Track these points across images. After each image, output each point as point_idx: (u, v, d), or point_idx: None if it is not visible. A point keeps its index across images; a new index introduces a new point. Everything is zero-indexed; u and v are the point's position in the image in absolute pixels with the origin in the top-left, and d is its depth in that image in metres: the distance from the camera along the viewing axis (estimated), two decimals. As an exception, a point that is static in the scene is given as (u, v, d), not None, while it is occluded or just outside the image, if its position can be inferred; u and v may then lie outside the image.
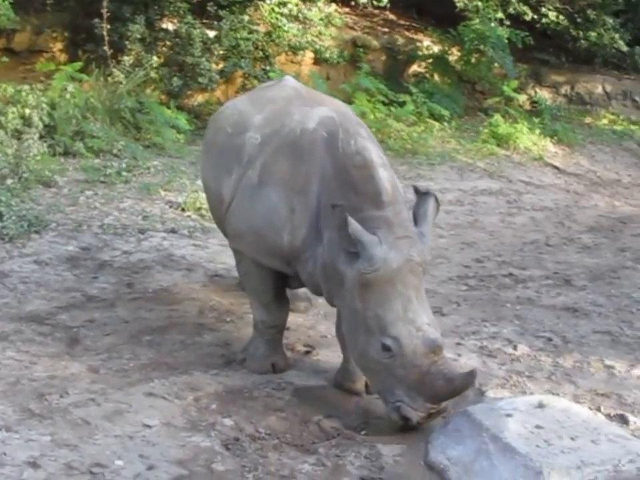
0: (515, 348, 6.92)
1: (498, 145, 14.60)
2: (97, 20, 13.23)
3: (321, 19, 15.31)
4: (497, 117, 15.11)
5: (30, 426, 5.34)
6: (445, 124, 15.31)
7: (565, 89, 19.12)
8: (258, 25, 14.87)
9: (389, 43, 17.40)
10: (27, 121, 11.16)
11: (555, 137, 15.81)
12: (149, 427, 5.47)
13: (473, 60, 16.79)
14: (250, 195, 5.97)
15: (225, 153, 6.31)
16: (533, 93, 18.27)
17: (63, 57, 14.46)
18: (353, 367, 6.15)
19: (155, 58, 13.24)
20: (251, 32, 14.33)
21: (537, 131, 15.49)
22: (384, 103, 14.80)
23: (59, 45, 14.78)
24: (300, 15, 14.96)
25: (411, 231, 5.46)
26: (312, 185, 5.73)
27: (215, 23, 14.01)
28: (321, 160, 5.73)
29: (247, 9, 14.57)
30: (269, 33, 14.86)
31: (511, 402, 5.68)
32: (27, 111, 11.34)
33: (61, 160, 11.07)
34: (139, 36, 13.24)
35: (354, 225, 5.29)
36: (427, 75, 17.08)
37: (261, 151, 6.01)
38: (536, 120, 16.15)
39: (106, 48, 12.89)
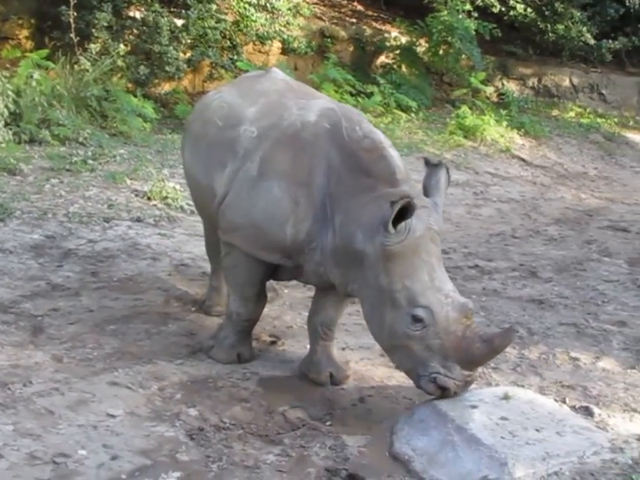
0: (480, 339, 6.91)
1: (465, 137, 14.65)
2: (63, 7, 13.16)
3: (289, 9, 15.26)
4: (464, 109, 15.16)
5: (-8, 415, 5.29)
6: (412, 115, 15.34)
7: (532, 82, 19.26)
8: (226, 14, 14.79)
9: (356, 34, 17.42)
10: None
11: (522, 129, 15.91)
12: (112, 416, 5.43)
13: (441, 51, 16.85)
14: (249, 188, 5.89)
15: (216, 147, 6.21)
16: (500, 85, 18.39)
17: (29, 45, 14.36)
18: (318, 358, 6.17)
19: (121, 46, 13.16)
20: (218, 21, 14.27)
21: (504, 123, 15.56)
22: (351, 94, 14.81)
23: (25, 32, 14.68)
24: (268, 4, 14.90)
25: (427, 202, 5.46)
26: (316, 177, 5.70)
27: (183, 11, 13.93)
28: (325, 151, 5.72)
29: (214, -1, 14.50)
30: (236, 23, 14.81)
31: (476, 393, 5.71)
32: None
33: (27, 148, 11.00)
34: (105, 24, 13.15)
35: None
36: (395, 66, 17.14)
37: (259, 144, 5.94)
38: (503, 112, 16.25)
39: (72, 35, 12.79)
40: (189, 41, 13.92)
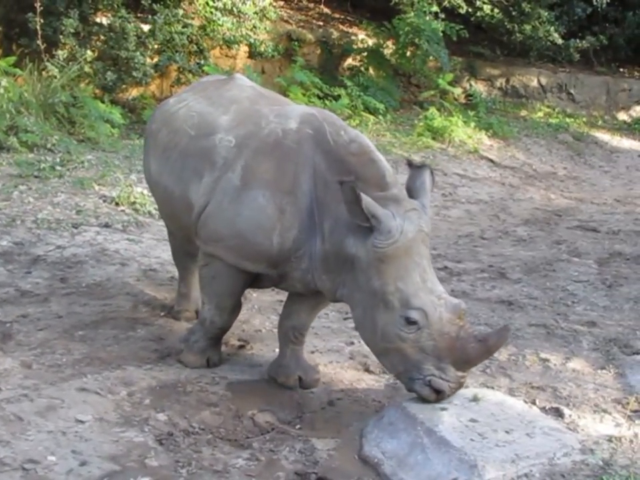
0: (449, 341, 6.94)
1: (433, 138, 14.71)
2: (30, 14, 13.09)
3: (255, 13, 15.25)
4: (432, 110, 15.22)
5: (-40, 423, 5.27)
6: (380, 117, 15.38)
7: (500, 82, 19.36)
8: (192, 18, 14.78)
9: (323, 37, 17.45)
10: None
11: (490, 130, 15.99)
12: (81, 422, 5.41)
13: (408, 53, 16.91)
14: (232, 198, 5.82)
15: (190, 156, 6.13)
16: (468, 86, 18.47)
17: (-3, 52, 14.26)
18: (287, 362, 6.18)
19: (89, 52, 13.11)
20: (185, 26, 14.27)
21: (472, 124, 15.64)
22: (319, 97, 14.84)
23: (-8, 39, 14.58)
24: (234, 8, 14.88)
25: (416, 205, 5.47)
26: (301, 184, 5.67)
27: (149, 17, 13.91)
28: (309, 157, 5.69)
29: (181, 3, 14.48)
30: (203, 27, 14.81)
31: (445, 395, 5.74)
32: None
33: (-7, 154, 10.93)
34: (72, 30, 13.11)
35: (366, 198, 5.26)
36: (362, 69, 17.18)
37: (239, 153, 5.88)
38: (471, 113, 16.34)
39: (39, 42, 12.75)
40: (155, 46, 13.92)
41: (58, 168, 10.50)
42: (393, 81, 17.33)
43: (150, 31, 13.78)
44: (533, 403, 5.95)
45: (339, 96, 14.99)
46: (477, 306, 7.79)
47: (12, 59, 13.05)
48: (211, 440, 5.42)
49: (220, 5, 14.88)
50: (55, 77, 12.66)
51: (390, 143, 14.34)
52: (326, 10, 19.10)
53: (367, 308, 5.46)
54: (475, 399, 5.59)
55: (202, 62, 14.46)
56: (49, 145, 11.27)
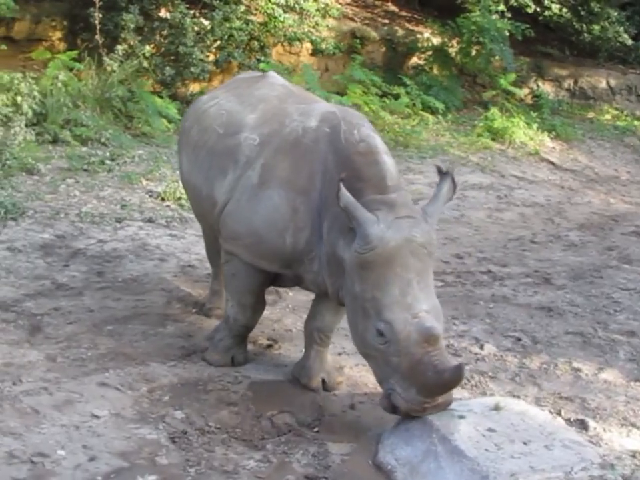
0: (481, 347, 6.84)
1: (493, 139, 14.50)
2: (92, 9, 13.21)
3: (318, 10, 15.19)
4: (494, 111, 15.02)
5: (-23, 413, 5.32)
6: (440, 117, 15.20)
7: (567, 83, 19.02)
8: (254, 15, 14.78)
9: (388, 35, 17.31)
10: (17, 109, 11.15)
11: (553, 132, 15.70)
12: (97, 417, 5.44)
13: (473, 52, 16.66)
14: (250, 196, 5.81)
15: (217, 155, 6.14)
16: (535, 87, 18.17)
17: (62, 46, 14.45)
18: (311, 364, 6.12)
19: (147, 47, 13.19)
20: (246, 22, 14.25)
21: (535, 126, 15.38)
22: (378, 95, 14.70)
23: (58, 34, 14.77)
24: (296, 5, 14.84)
25: (416, 211, 5.31)
26: (315, 184, 5.60)
27: (208, 12, 13.93)
28: (323, 156, 5.63)
29: (242, -1, 14.50)
30: (264, 24, 14.76)
31: (465, 403, 5.62)
32: (19, 98, 11.34)
33: (49, 148, 11.08)
34: (132, 25, 13.17)
35: (348, 199, 5.17)
36: (426, 68, 16.99)
37: (260, 151, 5.87)
38: (534, 114, 16.03)
39: (97, 37, 12.85)
40: (214, 42, 13.91)
41: (107, 162, 10.58)
42: (458, 81, 17.11)
43: (209, 26, 13.78)
44: (558, 413, 5.81)
45: (398, 95, 14.86)
46: (515, 312, 7.64)
47: (73, 53, 13.21)
48: (226, 440, 5.39)
49: (282, 1, 14.83)
50: (114, 72, 12.74)
51: (448, 143, 14.19)
52: (393, 8, 18.95)
53: (351, 312, 5.39)
54: (497, 408, 5.46)
55: (262, 58, 14.43)
56: (102, 139, 11.36)
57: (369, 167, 5.43)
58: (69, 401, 5.57)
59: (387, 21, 17.94)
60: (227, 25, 13.92)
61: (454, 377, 5.09)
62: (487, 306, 7.73)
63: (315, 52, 15.78)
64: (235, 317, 6.19)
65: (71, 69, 12.84)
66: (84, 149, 11.10)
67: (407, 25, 18.08)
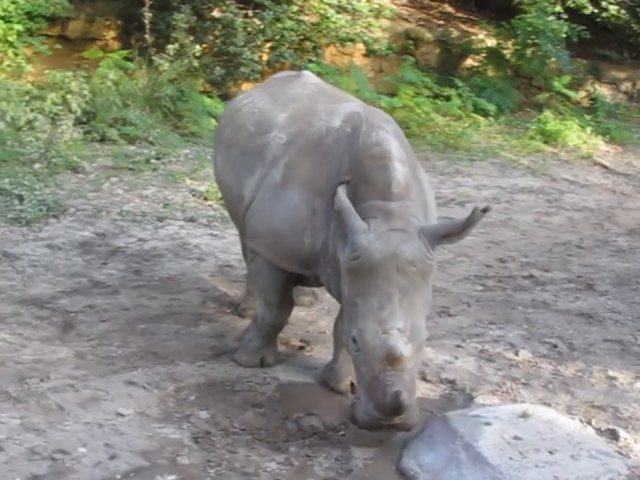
0: (516, 353, 6.72)
1: (545, 142, 14.31)
2: (144, 8, 13.32)
3: (370, 10, 15.14)
4: (547, 113, 14.83)
5: (3, 409, 5.35)
6: (492, 119, 15.04)
7: (625, 86, 18.71)
8: (306, 15, 14.77)
9: (442, 36, 17.20)
10: (66, 107, 11.28)
11: (608, 136, 15.43)
12: (122, 415, 5.44)
13: (528, 54, 16.46)
14: (272, 195, 5.79)
15: (247, 153, 6.13)
16: (591, 90, 17.90)
17: (116, 45, 14.61)
18: (339, 366, 6.05)
19: (197, 47, 13.23)
20: (297, 22, 14.25)
21: (589, 129, 15.13)
22: (429, 97, 14.60)
23: (112, 33, 14.94)
24: (349, 6, 14.79)
25: (412, 226, 5.17)
26: (332, 184, 5.49)
27: (259, 12, 13.95)
28: (341, 157, 5.57)
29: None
30: (316, 24, 14.74)
31: (492, 410, 5.55)
32: (69, 97, 11.48)
33: (97, 146, 11.18)
34: (183, 25, 13.24)
35: (343, 203, 5.14)
36: (481, 69, 16.83)
37: (286, 150, 5.83)
38: (588, 117, 15.79)
39: (147, 36, 12.96)
40: (265, 42, 13.92)
41: (153, 161, 10.63)
42: (512, 83, 16.90)
43: (260, 26, 13.79)
44: (589, 422, 5.66)
45: (450, 96, 14.74)
46: (554, 318, 7.50)
47: (124, 53, 13.36)
48: (250, 441, 5.35)
49: (334, 1, 14.80)
50: (165, 71, 12.81)
51: (499, 145, 14.03)
52: (449, 9, 18.82)
53: (344, 314, 5.38)
54: (524, 415, 5.37)
55: (314, 59, 14.40)
56: (150, 138, 11.44)
57: (377, 172, 5.32)
58: (94, 398, 5.59)
59: (442, 22, 17.83)
60: (279, 25, 13.92)
61: (391, 404, 4.96)
62: (525, 311, 7.60)
63: (368, 53, 15.72)
64: (262, 315, 6.18)
65: (122, 68, 12.95)
66: (131, 147, 11.18)
67: (462, 26, 17.94)
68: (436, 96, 14.81)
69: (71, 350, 6.27)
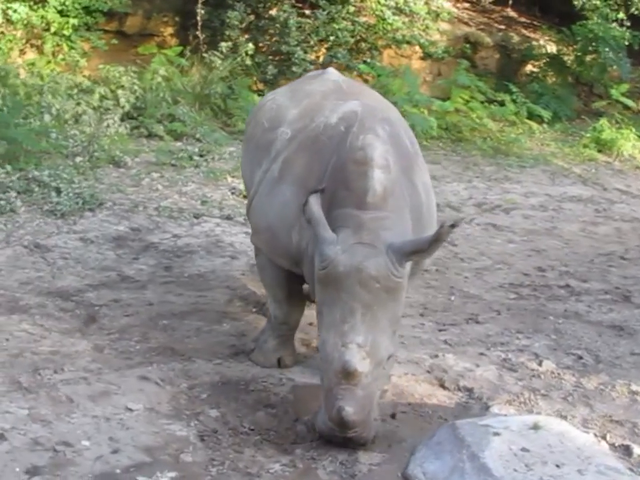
0: (539, 364, 6.59)
1: (599, 151, 14.05)
2: (198, 5, 13.41)
3: (428, 13, 15.03)
4: (603, 122, 14.55)
5: (12, 398, 5.39)
6: (546, 126, 14.83)
7: (690, 96, 18.27)
8: (364, 16, 14.72)
9: (502, 41, 17.03)
10: (115, 102, 11.39)
11: (665, 146, 15.09)
12: (130, 410, 5.44)
13: (588, 61, 16.21)
14: (269, 190, 5.80)
15: (259, 148, 6.14)
16: (656, 99, 17.56)
17: (173, 41, 14.74)
18: (354, 371, 6.01)
19: (250, 45, 13.27)
20: (352, 23, 14.20)
21: (647, 139, 14.83)
22: (483, 102, 14.44)
23: (170, 30, 15.10)
24: (406, 8, 14.70)
25: (380, 241, 5.08)
26: (320, 183, 5.47)
27: (313, 12, 13.94)
28: (330, 156, 5.50)
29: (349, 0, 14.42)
30: (372, 26, 14.67)
31: (504, 420, 5.43)
32: (120, 91, 11.60)
33: (143, 141, 11.27)
34: (237, 23, 13.30)
35: (313, 212, 5.13)
36: (541, 75, 16.61)
37: (287, 146, 5.82)
38: (646, 126, 15.49)
39: (198, 33, 13.02)
40: (318, 42, 13.91)
41: (196, 158, 10.67)
42: (572, 90, 16.66)
43: (313, 26, 13.78)
44: (603, 437, 5.53)
45: (504, 102, 14.57)
46: (584, 329, 7.34)
47: (178, 49, 13.46)
48: (257, 442, 5.31)
49: (392, 3, 14.72)
50: (217, 69, 12.87)
51: (552, 153, 13.82)
52: (512, 13, 18.60)
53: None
54: (535, 427, 5.24)
55: (368, 60, 14.34)
56: (197, 135, 11.50)
57: (357, 178, 5.23)
58: (105, 392, 5.60)
59: (503, 27, 17.63)
60: (334, 25, 13.89)
61: (336, 418, 4.98)
62: (555, 321, 7.46)
63: (426, 56, 15.61)
64: (274, 313, 6.18)
65: (175, 65, 13.05)
66: (178, 144, 11.25)
67: (524, 31, 17.74)
68: (490, 101, 14.64)
69: (90, 343, 6.30)
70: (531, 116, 14.86)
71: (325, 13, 13.70)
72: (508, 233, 10.08)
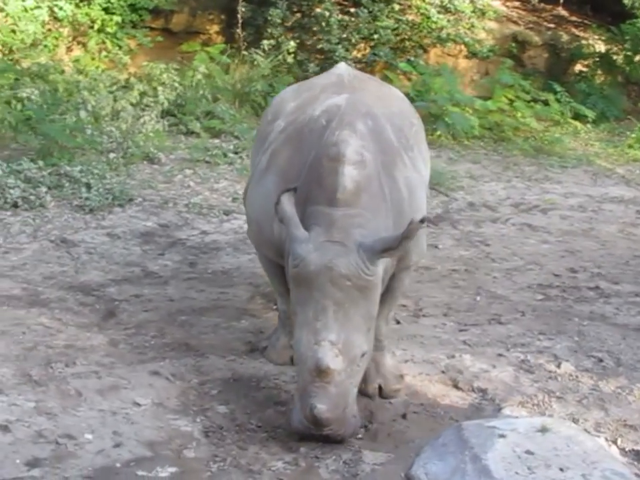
0: (558, 366, 6.48)
1: (645, 152, 13.82)
2: (243, 3, 13.47)
3: (474, 11, 14.91)
4: (648, 122, 14.34)
5: (21, 391, 5.46)
6: (590, 126, 14.61)
7: None
8: (408, 14, 14.64)
9: (551, 40, 16.83)
10: (154, 99, 11.48)
11: None
12: (138, 405, 5.47)
13: (638, 60, 15.96)
14: (256, 181, 5.86)
15: (260, 140, 6.24)
16: None
17: (219, 39, 14.79)
18: (368, 369, 5.95)
19: (291, 43, 13.27)
20: (396, 21, 14.14)
21: (696, 139, 14.53)
22: (527, 101, 14.28)
23: (215, 27, 15.16)
24: (451, 6, 14.60)
25: (351, 239, 5.05)
26: (299, 176, 5.48)
27: (355, 10, 13.91)
28: (310, 150, 5.48)
29: (392, -2, 14.38)
30: (416, 24, 14.59)
31: (512, 422, 5.34)
32: (160, 88, 11.68)
33: (181, 138, 11.32)
34: (279, 20, 13.32)
35: (285, 211, 5.14)
36: (590, 75, 16.39)
37: (277, 137, 5.86)
38: (697, 127, 15.19)
39: (239, 30, 13.07)
40: (359, 40, 13.87)
41: (230, 155, 10.71)
42: (622, 90, 16.42)
43: (355, 24, 13.74)
44: (614, 442, 5.43)
45: (547, 101, 14.39)
46: (609, 331, 7.20)
47: (220, 47, 13.52)
48: (263, 439, 5.29)
49: (437, 1, 14.63)
50: (259, 66, 12.90)
51: (596, 153, 13.62)
52: (563, 12, 18.39)
53: None
54: (543, 430, 5.16)
55: (412, 59, 14.26)
56: (235, 133, 11.53)
57: (329, 175, 5.18)
58: (115, 386, 5.64)
59: (552, 26, 17.42)
60: (377, 23, 13.84)
61: (309, 416, 5.00)
62: (580, 323, 7.33)
63: (472, 55, 15.49)
64: (280, 307, 6.19)
65: (217, 62, 13.10)
66: (215, 141, 11.28)
67: (574, 30, 17.52)
68: (535, 100, 14.47)
69: (106, 337, 6.35)
70: (577, 116, 14.65)
71: (367, 11, 13.63)
72: (543, 233, 9.94)
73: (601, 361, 6.63)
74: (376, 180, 5.31)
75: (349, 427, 5.16)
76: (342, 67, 6.50)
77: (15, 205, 8.50)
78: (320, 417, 4.96)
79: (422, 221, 5.01)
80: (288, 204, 5.19)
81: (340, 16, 13.71)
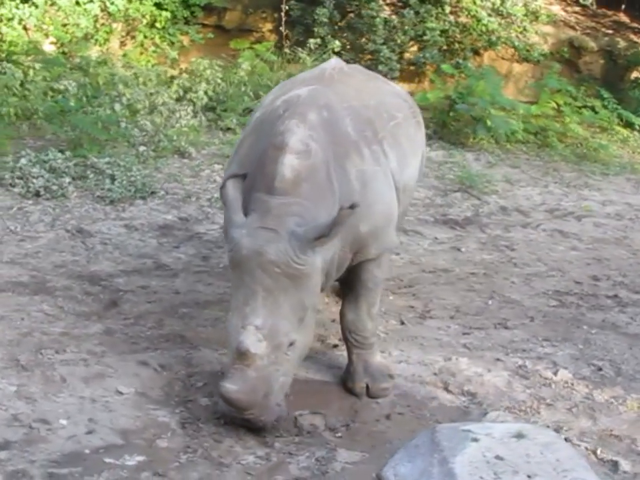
0: (555, 373, 6.40)
1: (692, 161, 13.51)
2: (292, 2, 13.51)
3: (526, 15, 14.73)
4: (700, 132, 14.01)
5: (5, 375, 5.56)
6: (636, 133, 14.34)
7: None
8: (458, 17, 14.53)
9: (608, 46, 16.50)
10: (194, 94, 11.57)
11: None
12: (120, 393, 5.55)
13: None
14: (226, 171, 5.98)
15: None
16: None
17: (272, 37, 14.83)
18: (354, 368, 5.97)
19: (337, 42, 13.26)
20: (445, 23, 14.05)
21: None
22: (578, 107, 14.07)
23: (268, 25, 15.20)
24: (503, 9, 14.44)
25: (284, 227, 5.07)
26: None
27: (402, 11, 13.86)
28: (265, 139, 5.48)
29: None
30: (466, 26, 14.47)
31: (489, 426, 5.27)
32: (203, 84, 11.77)
33: (219, 134, 11.36)
34: (325, 19, 13.33)
35: (226, 195, 5.30)
36: (646, 82, 16.08)
37: (248, 128, 6.03)
38: None
39: (282, 28, 13.10)
40: (406, 41, 13.80)
41: (261, 152, 10.70)
42: (681, 98, 16.06)
43: (401, 25, 13.68)
44: (594, 451, 5.35)
45: (594, 107, 14.16)
46: (616, 340, 7.08)
47: (269, 44, 13.56)
48: (241, 433, 5.31)
49: (488, 4, 14.50)
50: (305, 64, 12.92)
51: (640, 162, 13.37)
52: (624, 18, 18.05)
53: None
54: (518, 435, 5.08)
55: (460, 61, 14.15)
56: (272, 129, 11.52)
57: (270, 163, 5.22)
58: (100, 374, 5.71)
59: (610, 32, 17.11)
60: (425, 25, 13.77)
61: (221, 395, 5.11)
62: (589, 331, 7.21)
63: (521, 59, 15.31)
64: None
65: (264, 60, 13.16)
66: (252, 137, 11.30)
67: (633, 36, 17.18)
68: (583, 107, 14.25)
69: (103, 326, 6.41)
70: (628, 124, 14.38)
71: (414, 12, 13.56)
72: (574, 240, 9.78)
73: (600, 369, 6.54)
74: (323, 170, 5.31)
75: (272, 413, 5.21)
76: (332, 62, 6.48)
77: (37, 194, 8.62)
78: (227, 397, 5.05)
79: (352, 206, 5.01)
80: (232, 189, 5.28)
81: (387, 16, 13.63)
